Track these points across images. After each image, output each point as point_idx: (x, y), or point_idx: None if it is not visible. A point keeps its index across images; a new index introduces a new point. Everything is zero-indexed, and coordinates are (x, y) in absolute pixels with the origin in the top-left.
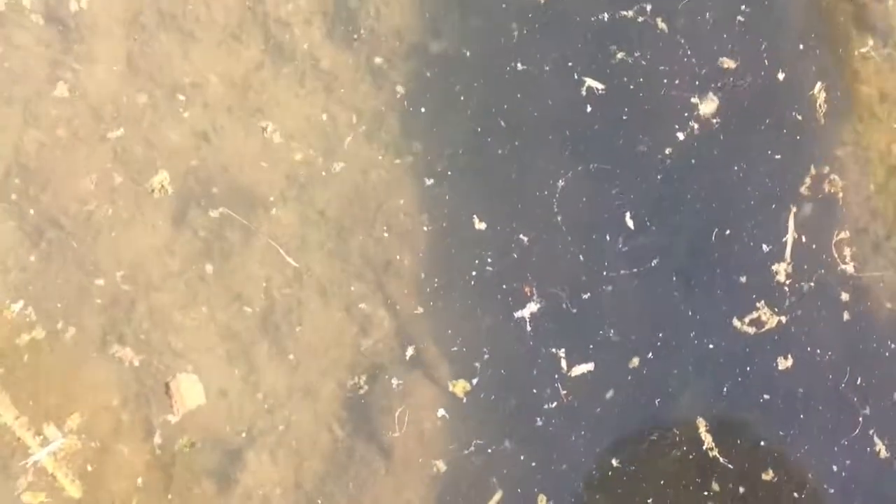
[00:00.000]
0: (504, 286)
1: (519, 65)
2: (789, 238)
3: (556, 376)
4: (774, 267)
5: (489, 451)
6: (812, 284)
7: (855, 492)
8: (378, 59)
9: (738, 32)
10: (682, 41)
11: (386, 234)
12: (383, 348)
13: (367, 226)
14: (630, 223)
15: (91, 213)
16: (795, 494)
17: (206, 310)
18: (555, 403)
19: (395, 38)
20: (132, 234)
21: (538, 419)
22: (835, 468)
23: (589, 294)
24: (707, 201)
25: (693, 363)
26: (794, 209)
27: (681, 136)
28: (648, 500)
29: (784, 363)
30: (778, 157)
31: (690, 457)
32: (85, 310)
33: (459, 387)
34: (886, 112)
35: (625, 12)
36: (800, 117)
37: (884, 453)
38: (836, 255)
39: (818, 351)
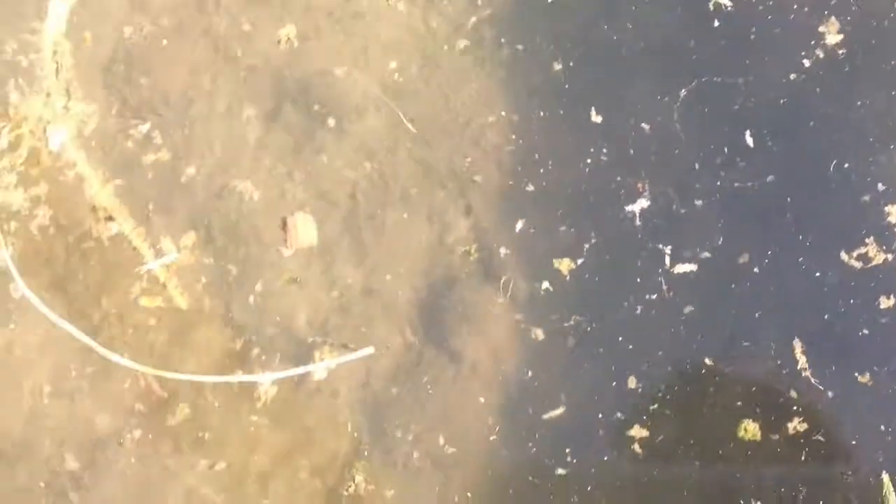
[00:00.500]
0: (618, 178)
1: None
2: None
3: (660, 270)
4: (887, 208)
5: (588, 328)
6: None
7: None
8: None
9: None
10: None
11: (473, 147)
12: (472, 244)
13: (455, 138)
14: (749, 140)
15: (190, 102)
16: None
17: (293, 205)
18: (655, 295)
19: None
20: (226, 125)
21: (638, 307)
22: None
23: (701, 201)
24: (828, 131)
25: (797, 286)
26: None
27: (806, 62)
28: (738, 403)
29: (886, 302)
30: None
31: (784, 371)
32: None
33: (565, 264)
34: None
35: None
36: None
37: None
38: None
39: None
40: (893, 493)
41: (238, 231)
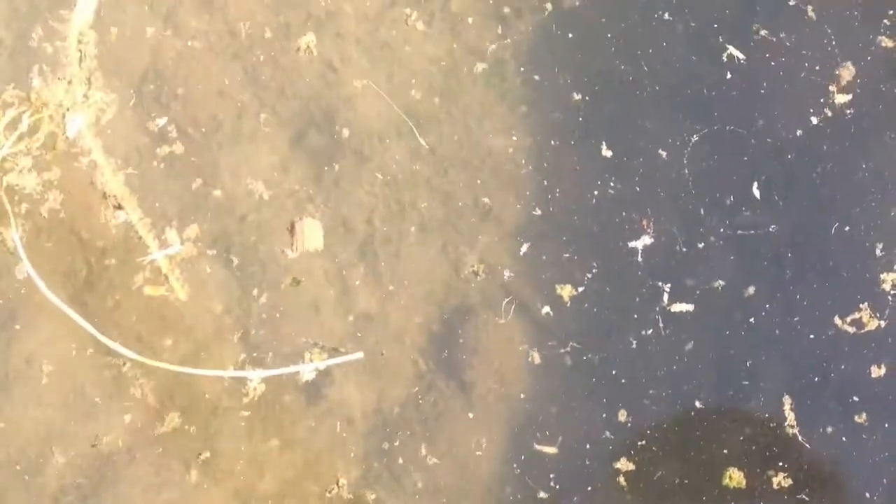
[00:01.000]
0: (623, 213)
1: (666, 15)
2: None
3: (657, 308)
4: (883, 275)
5: (584, 357)
6: None
7: None
8: (507, 9)
9: (883, 34)
10: (829, 31)
11: (492, 177)
12: (484, 276)
13: (474, 169)
14: (757, 192)
15: (219, 125)
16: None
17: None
18: (651, 331)
19: None
20: (252, 149)
21: (634, 341)
22: None
23: (703, 243)
24: (832, 191)
25: (790, 343)
26: None
27: (814, 119)
28: (724, 450)
29: (878, 371)
30: None
31: (772, 425)
32: (199, 215)
33: (566, 290)
34: None
35: None
36: None
37: None
38: None
39: None
40: None
41: (245, 230)
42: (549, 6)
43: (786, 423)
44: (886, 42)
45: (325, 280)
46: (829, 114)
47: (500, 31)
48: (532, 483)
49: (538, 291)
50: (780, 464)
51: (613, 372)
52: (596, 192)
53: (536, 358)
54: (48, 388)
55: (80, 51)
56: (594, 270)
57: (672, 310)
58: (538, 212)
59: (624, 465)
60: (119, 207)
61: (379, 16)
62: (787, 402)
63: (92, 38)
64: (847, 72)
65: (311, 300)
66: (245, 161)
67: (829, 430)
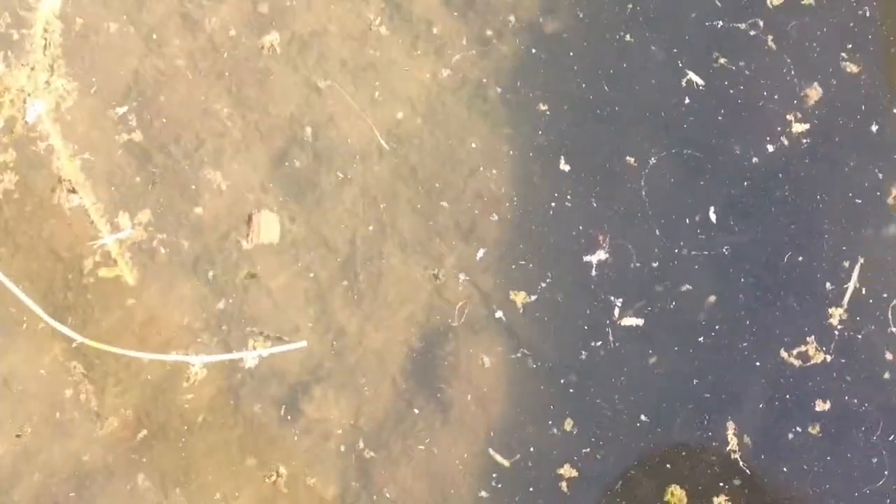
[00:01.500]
0: (580, 227)
1: (627, 37)
2: (850, 287)
3: (608, 321)
4: (830, 310)
5: (533, 365)
6: (860, 337)
7: None
8: (489, 32)
9: (843, 66)
10: (788, 61)
11: (474, 201)
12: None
13: (456, 190)
14: (713, 217)
15: (200, 143)
16: None
17: (292, 249)
18: (600, 342)
19: (509, 13)
20: (233, 167)
21: (583, 352)
22: None
23: (657, 263)
24: (787, 221)
25: (736, 370)
26: (861, 261)
27: (770, 147)
28: (668, 465)
29: (822, 405)
30: (858, 202)
31: (714, 444)
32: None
33: (520, 297)
34: None
35: (738, 24)
36: (881, 175)
37: None
38: (889, 318)
39: (855, 400)
40: None
41: (202, 218)
42: (528, 29)
43: (728, 448)
44: (851, 68)
45: (306, 301)
46: (786, 142)
47: (481, 53)
48: (474, 482)
49: (492, 296)
50: (722, 485)
51: (561, 380)
52: (553, 204)
53: (486, 362)
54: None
55: (46, 39)
56: (548, 280)
57: (622, 324)
58: (495, 217)
59: (567, 471)
60: (73, 192)
61: (363, 36)
62: (730, 426)
63: (58, 28)
64: (806, 100)
65: (291, 319)
66: (226, 180)
67: (772, 459)
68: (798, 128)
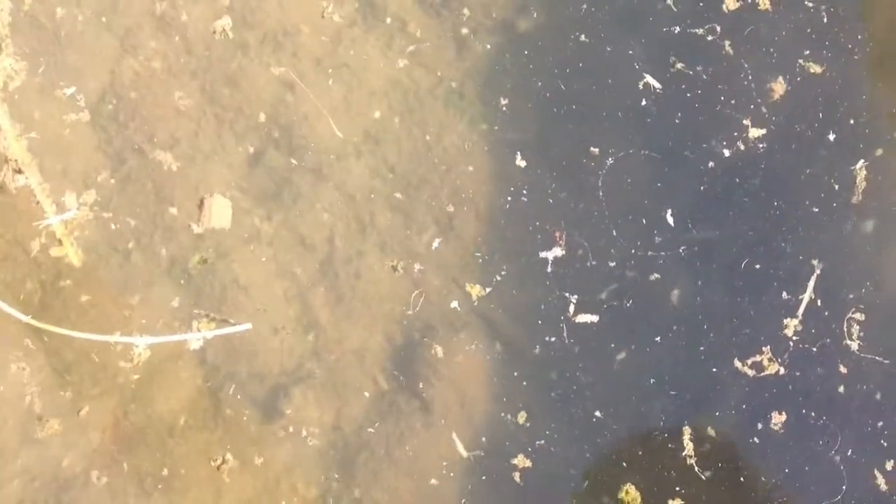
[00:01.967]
0: (537, 223)
1: (582, 37)
2: (806, 298)
3: (562, 317)
4: (786, 320)
5: (486, 356)
6: (815, 350)
7: None
8: (465, 30)
9: (799, 71)
10: (746, 66)
11: (451, 197)
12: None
13: (433, 187)
14: (671, 220)
15: (175, 143)
16: None
17: (270, 249)
18: (554, 338)
19: (483, 12)
20: (210, 167)
21: (536, 346)
22: None
23: (614, 263)
24: (744, 227)
25: (692, 375)
26: (818, 271)
27: (726, 152)
28: (623, 463)
29: (778, 417)
30: (815, 210)
31: (671, 447)
32: (156, 236)
33: (475, 290)
34: None
35: (696, 30)
36: (836, 186)
37: None
38: (844, 330)
39: (813, 413)
40: None
41: (152, 198)
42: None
43: (684, 454)
44: (809, 72)
45: (285, 301)
46: (743, 147)
47: (458, 58)
48: (425, 467)
49: (447, 286)
50: (677, 488)
51: (515, 373)
52: (510, 199)
53: (439, 352)
54: None
55: None
56: (503, 273)
57: (577, 321)
58: (451, 208)
59: (521, 461)
60: (19, 171)
61: (337, 36)
62: (686, 431)
63: (7, 7)
64: (763, 106)
65: (270, 325)
66: (202, 182)
67: (729, 468)
68: (755, 133)
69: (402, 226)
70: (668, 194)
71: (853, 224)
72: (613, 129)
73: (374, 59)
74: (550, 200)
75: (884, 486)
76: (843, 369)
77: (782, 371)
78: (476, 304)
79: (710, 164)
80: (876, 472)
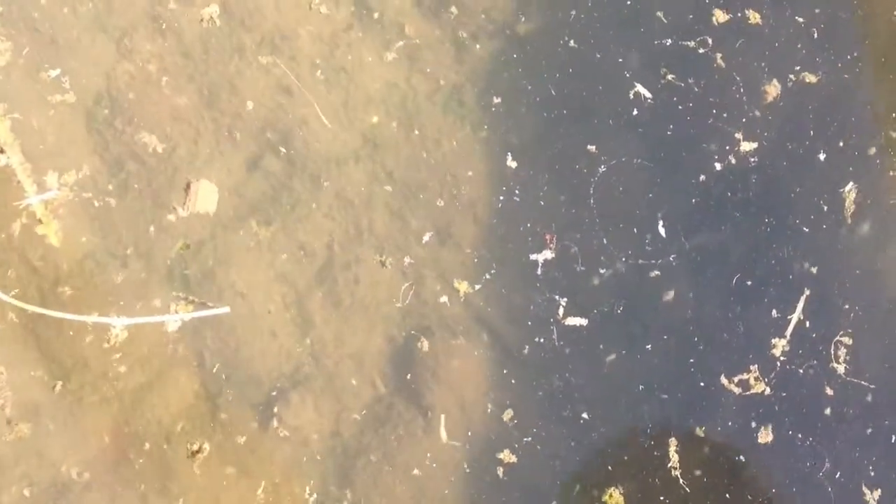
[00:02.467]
0: (529, 224)
1: (571, 42)
2: (794, 318)
3: (552, 319)
4: (773, 340)
5: (475, 353)
6: (801, 371)
7: None
8: (463, 34)
9: (791, 85)
10: (738, 79)
11: (450, 203)
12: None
13: (432, 193)
14: (662, 231)
15: (173, 149)
16: None
17: (268, 254)
18: (543, 340)
19: (483, 16)
20: (208, 173)
21: (525, 347)
22: None
23: (604, 269)
24: (736, 241)
25: (680, 386)
26: (807, 293)
27: (718, 166)
28: (609, 467)
29: (765, 436)
30: (806, 229)
31: (656, 454)
32: (156, 247)
33: (463, 286)
34: None
35: (687, 42)
36: (826, 208)
37: None
38: (832, 353)
39: (800, 435)
40: None
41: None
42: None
43: (669, 464)
44: (801, 85)
45: (284, 306)
46: (734, 161)
47: (457, 62)
48: (407, 458)
49: (436, 281)
50: (662, 498)
51: (504, 371)
52: (501, 197)
53: (426, 345)
54: None
55: None
56: (492, 272)
57: (567, 323)
58: (441, 203)
59: (506, 456)
60: (1, 151)
61: (334, 39)
62: (672, 443)
63: None
64: (754, 119)
65: (268, 329)
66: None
67: (714, 484)
68: (746, 146)
69: (399, 230)
70: (660, 204)
71: (844, 243)
72: (606, 137)
73: (371, 64)
74: (542, 203)
75: None
76: (829, 391)
77: (768, 391)
78: (466, 301)
79: (702, 177)
80: (864, 491)
